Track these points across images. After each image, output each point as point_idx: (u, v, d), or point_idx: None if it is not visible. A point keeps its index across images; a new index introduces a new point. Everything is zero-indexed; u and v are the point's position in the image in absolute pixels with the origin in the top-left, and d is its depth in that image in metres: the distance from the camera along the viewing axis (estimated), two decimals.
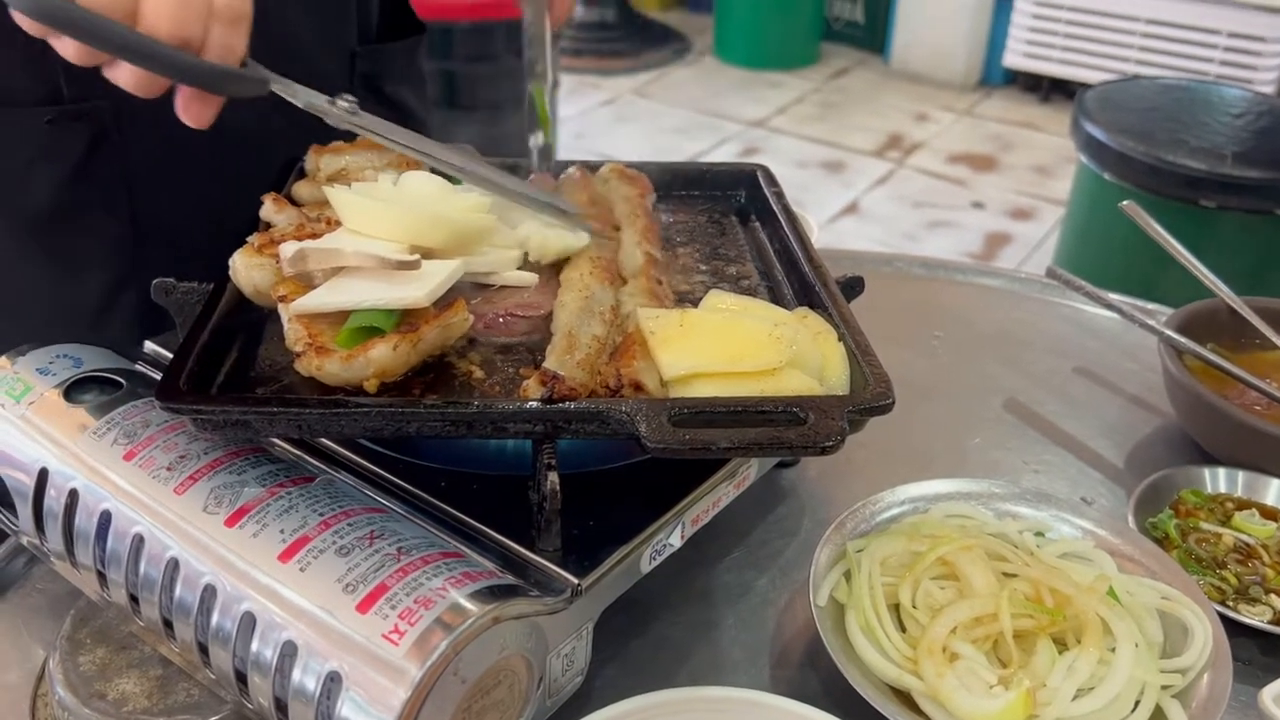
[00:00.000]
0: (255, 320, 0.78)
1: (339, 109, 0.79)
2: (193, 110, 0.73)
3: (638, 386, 0.69)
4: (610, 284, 0.81)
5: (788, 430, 0.66)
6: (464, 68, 3.69)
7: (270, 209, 0.85)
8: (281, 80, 0.76)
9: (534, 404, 0.67)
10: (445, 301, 0.73)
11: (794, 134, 4.84)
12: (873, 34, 5.71)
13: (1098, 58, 4.81)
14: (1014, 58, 5.08)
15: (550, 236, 0.82)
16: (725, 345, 0.72)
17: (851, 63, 5.68)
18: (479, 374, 0.74)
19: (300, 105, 0.78)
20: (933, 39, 5.31)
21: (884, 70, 5.57)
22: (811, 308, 0.82)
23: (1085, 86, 2.86)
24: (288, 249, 0.73)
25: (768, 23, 5.50)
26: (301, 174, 0.95)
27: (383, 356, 0.67)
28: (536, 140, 0.98)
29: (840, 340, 0.77)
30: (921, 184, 4.41)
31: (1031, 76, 5.16)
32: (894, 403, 0.70)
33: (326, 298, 0.71)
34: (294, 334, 0.70)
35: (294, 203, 0.88)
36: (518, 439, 0.70)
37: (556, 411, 0.67)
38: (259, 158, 1.04)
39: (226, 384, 0.72)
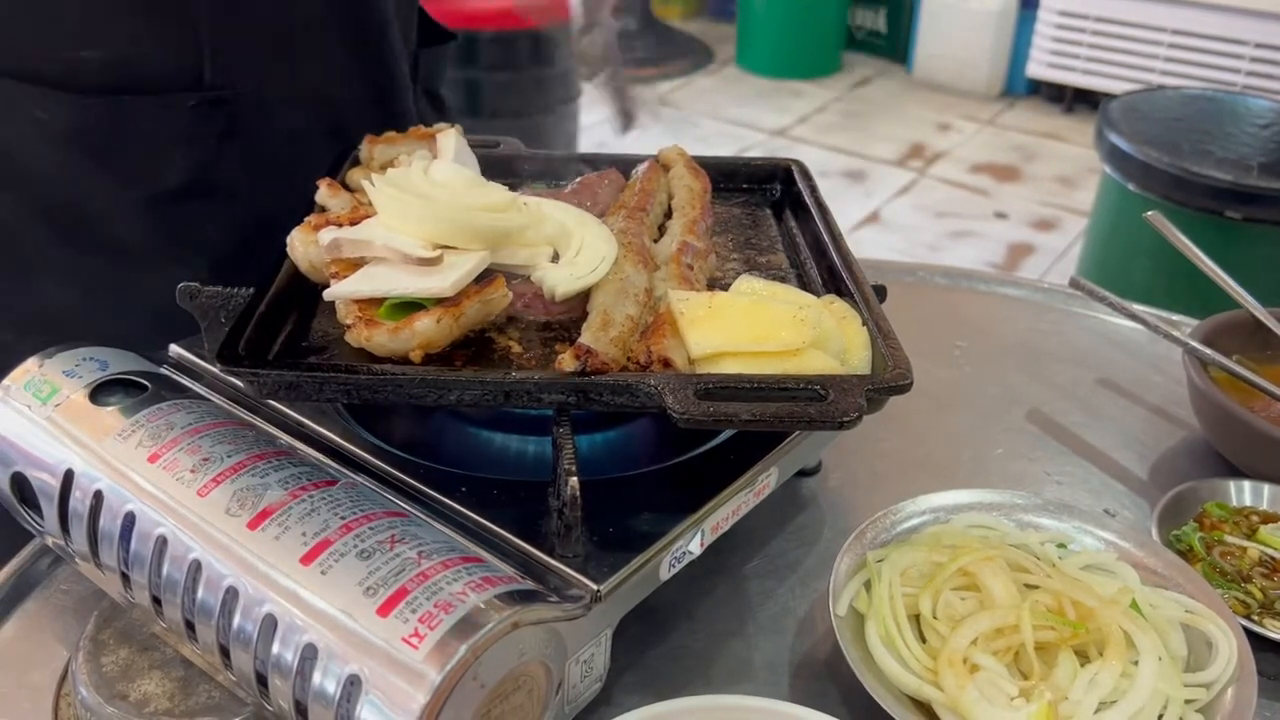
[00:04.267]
0: (310, 294, 0.82)
1: None
2: None
3: (666, 363, 0.72)
4: (645, 268, 0.83)
5: (808, 406, 0.67)
6: (487, 76, 3.71)
7: (325, 193, 0.89)
8: None
9: (568, 376, 0.70)
10: (486, 279, 0.76)
11: (816, 143, 4.84)
12: (895, 43, 5.70)
13: (1122, 68, 4.78)
14: (1037, 68, 5.06)
15: (561, 278, 0.80)
16: (751, 326, 0.74)
17: (874, 72, 5.68)
18: (517, 349, 0.78)
19: None
20: (955, 49, 5.30)
21: (906, 80, 5.56)
22: (839, 295, 0.84)
23: (1109, 97, 2.84)
24: (325, 237, 0.77)
25: (790, 32, 5.50)
26: (356, 161, 0.99)
27: (427, 329, 0.71)
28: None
29: (864, 325, 0.79)
30: (944, 194, 4.40)
31: (1055, 87, 5.13)
32: (912, 383, 0.71)
33: (357, 285, 0.74)
34: (344, 308, 0.74)
35: (348, 188, 0.92)
36: (550, 408, 0.73)
37: (588, 383, 0.70)
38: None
39: (282, 352, 0.76)
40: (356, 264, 0.77)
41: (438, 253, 0.74)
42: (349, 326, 0.73)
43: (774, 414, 0.66)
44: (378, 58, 1.10)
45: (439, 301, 0.73)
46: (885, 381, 0.71)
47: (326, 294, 0.75)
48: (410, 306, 0.73)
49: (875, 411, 0.70)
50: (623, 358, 0.73)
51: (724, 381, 0.70)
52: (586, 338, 0.73)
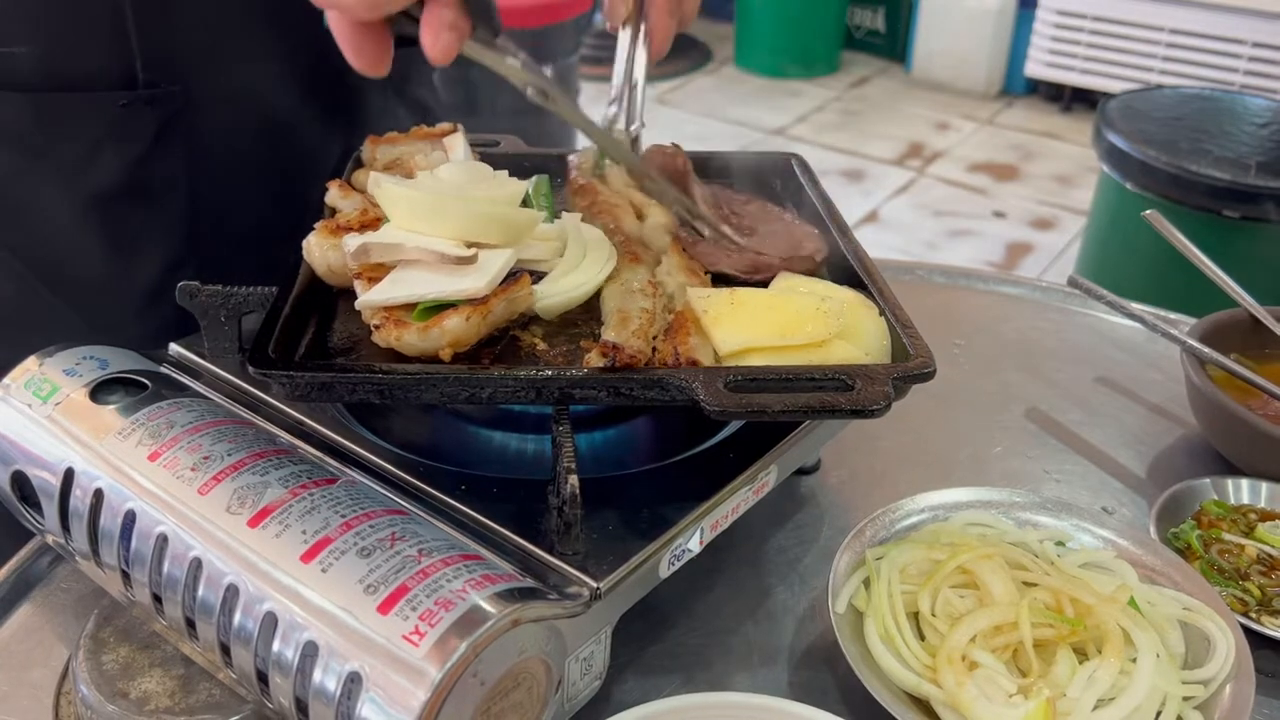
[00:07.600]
0: (328, 296, 0.82)
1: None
2: (442, 41, 0.71)
3: (694, 363, 0.73)
4: (637, 262, 0.84)
5: (837, 396, 0.69)
6: (484, 74, 3.71)
7: (336, 195, 0.88)
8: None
9: (601, 371, 0.71)
10: (511, 277, 0.76)
11: (814, 142, 4.84)
12: (894, 43, 5.70)
13: (1120, 67, 4.78)
14: (1036, 67, 5.06)
15: (546, 294, 0.80)
16: (775, 320, 0.76)
17: (872, 71, 5.68)
18: (542, 345, 0.78)
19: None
20: (954, 48, 5.30)
21: (905, 79, 5.56)
22: (851, 286, 0.85)
23: (1107, 96, 2.84)
24: (350, 243, 0.77)
25: (788, 31, 5.50)
26: (359, 163, 0.98)
27: (456, 327, 0.71)
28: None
29: (881, 315, 0.80)
30: (942, 193, 4.40)
31: (1053, 86, 5.13)
32: (935, 370, 0.73)
33: (391, 291, 0.74)
34: (371, 309, 0.74)
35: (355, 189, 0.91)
36: (584, 405, 0.74)
37: (620, 379, 0.71)
38: (310, 151, 1.09)
39: (308, 354, 0.76)
40: (381, 267, 0.76)
41: (473, 251, 0.75)
42: (377, 327, 0.73)
43: (805, 404, 0.68)
44: (320, 58, 1.05)
45: (467, 299, 0.73)
46: (910, 370, 0.73)
47: (358, 303, 0.75)
48: (438, 305, 0.73)
49: (900, 399, 0.71)
50: (648, 348, 0.73)
51: (753, 374, 0.71)
52: (610, 334, 0.74)
